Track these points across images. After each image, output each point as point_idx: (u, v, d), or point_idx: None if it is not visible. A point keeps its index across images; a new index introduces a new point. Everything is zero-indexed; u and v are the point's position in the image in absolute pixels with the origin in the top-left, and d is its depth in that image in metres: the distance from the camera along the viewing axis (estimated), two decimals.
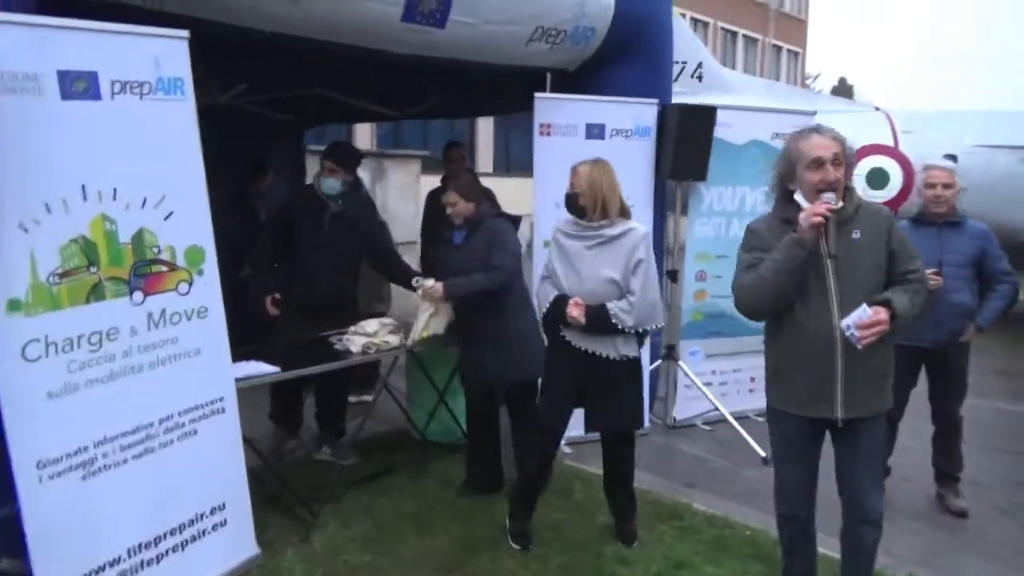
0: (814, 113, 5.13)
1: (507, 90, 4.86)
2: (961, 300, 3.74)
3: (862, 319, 2.40)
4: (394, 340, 3.82)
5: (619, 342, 3.19)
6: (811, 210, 2.44)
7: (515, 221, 3.83)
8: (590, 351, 3.20)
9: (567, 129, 4.50)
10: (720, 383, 5.25)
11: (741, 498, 4.03)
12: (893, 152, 8.22)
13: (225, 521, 3.06)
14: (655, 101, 4.68)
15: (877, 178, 8.24)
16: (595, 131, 4.57)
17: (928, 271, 2.83)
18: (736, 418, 4.90)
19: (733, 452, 4.66)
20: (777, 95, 8.90)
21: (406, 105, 5.82)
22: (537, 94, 4.45)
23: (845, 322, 2.44)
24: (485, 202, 3.79)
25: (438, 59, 3.90)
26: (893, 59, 72.98)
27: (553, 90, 4.77)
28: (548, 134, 4.48)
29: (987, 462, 4.47)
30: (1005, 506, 3.97)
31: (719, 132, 4.75)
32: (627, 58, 4.57)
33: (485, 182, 4.11)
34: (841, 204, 2.49)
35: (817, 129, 2.59)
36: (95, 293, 2.56)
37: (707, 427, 5.11)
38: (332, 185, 4.10)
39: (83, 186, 2.50)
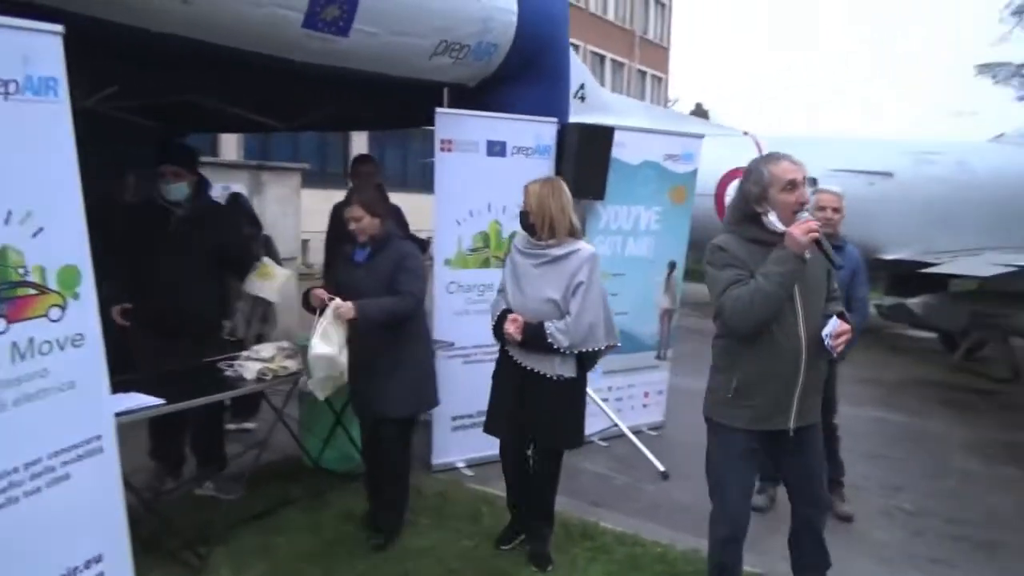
0: (702, 136, 5.35)
1: (405, 104, 4.72)
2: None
3: (836, 329, 2.62)
4: (292, 365, 3.57)
5: (556, 362, 3.23)
6: (806, 227, 2.54)
7: (423, 245, 3.72)
8: (530, 368, 3.26)
9: (468, 145, 4.42)
10: (616, 399, 5.31)
11: (646, 514, 4.07)
12: None
13: (103, 574, 2.71)
14: (555, 120, 4.69)
15: None
16: (496, 148, 4.52)
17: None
18: (633, 433, 4.96)
19: (633, 468, 4.70)
20: (656, 117, 9.22)
21: (293, 116, 5.54)
22: (438, 109, 4.35)
23: (825, 332, 2.63)
24: (391, 220, 3.63)
25: (337, 69, 3.70)
26: (741, 86, 78.40)
27: (451, 106, 4.68)
28: (449, 150, 4.38)
29: (866, 468, 4.76)
30: (886, 509, 4.22)
31: (615, 152, 4.83)
32: (527, 77, 4.54)
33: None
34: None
35: (783, 155, 2.74)
36: None
37: (604, 443, 5.14)
38: (180, 190, 3.79)
39: None
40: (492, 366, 4.59)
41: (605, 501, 4.19)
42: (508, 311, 3.30)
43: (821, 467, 2.96)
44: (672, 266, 5.33)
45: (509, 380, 3.37)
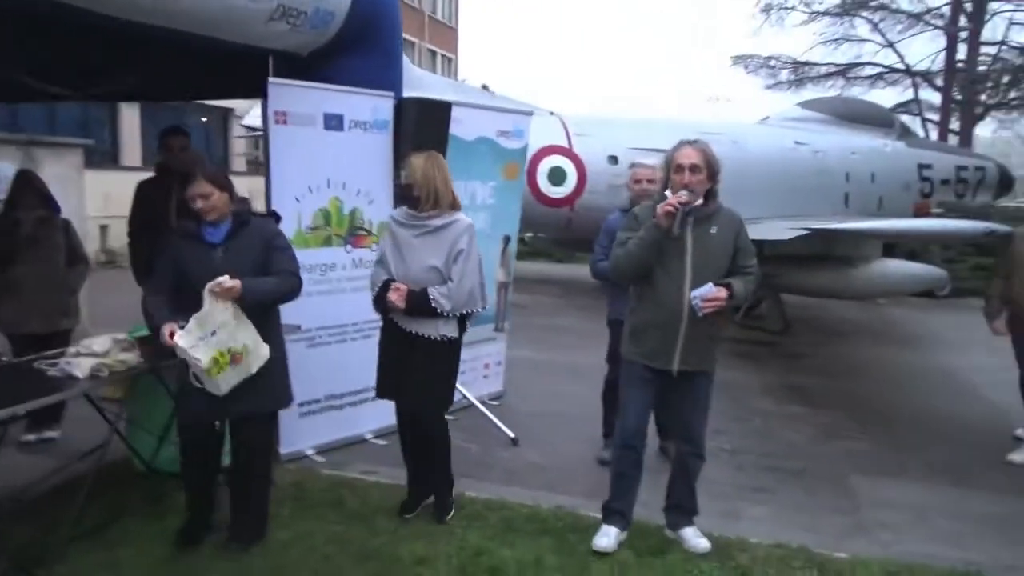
0: (531, 113, 5.53)
1: (226, 73, 4.39)
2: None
3: (707, 294, 3.06)
4: (130, 359, 3.24)
5: (440, 324, 3.44)
6: (665, 204, 3.11)
7: (276, 219, 3.52)
8: (414, 331, 3.42)
9: (304, 118, 4.21)
10: (460, 371, 5.36)
11: (506, 479, 4.20)
12: (569, 152, 9.18)
13: None
14: (392, 94, 4.61)
15: (557, 175, 9.13)
16: (334, 122, 4.35)
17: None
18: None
19: (483, 437, 4.80)
20: (467, 95, 9.34)
21: (87, 85, 4.93)
22: (271, 79, 4.09)
23: (694, 293, 3.14)
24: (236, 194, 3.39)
25: (159, 31, 3.35)
26: (526, 68, 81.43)
27: (277, 77, 4.42)
28: (284, 123, 4.14)
29: None
30: (711, 450, 4.62)
31: (451, 128, 4.85)
32: (361, 49, 4.40)
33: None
34: (701, 201, 3.16)
35: (691, 142, 3.27)
36: None
37: (451, 416, 5.17)
38: None
39: None
40: (338, 348, 4.52)
41: (464, 471, 4.21)
42: (390, 281, 3.42)
43: (699, 415, 3.40)
44: (507, 240, 5.49)
45: (394, 344, 3.49)
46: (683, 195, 3.11)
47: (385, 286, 3.42)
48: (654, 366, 3.29)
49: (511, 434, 4.80)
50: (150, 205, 4.85)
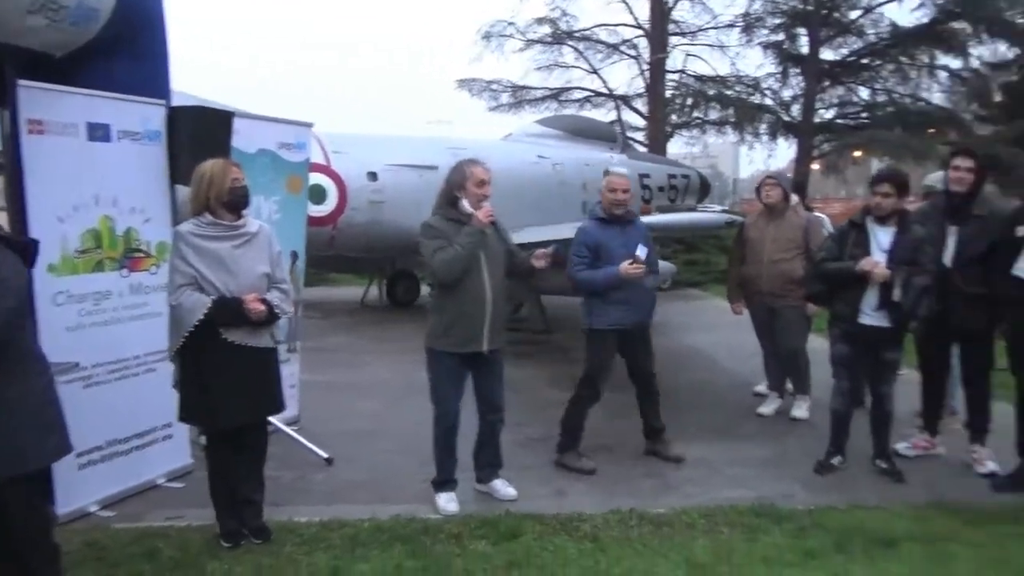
0: (311, 125, 5.37)
1: None
2: (649, 284, 4.52)
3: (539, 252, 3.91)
4: None
5: (274, 330, 3.51)
6: (486, 212, 3.70)
7: (22, 249, 2.85)
8: (250, 345, 3.36)
9: (65, 128, 3.70)
10: None
11: (330, 499, 4.04)
12: (327, 170, 8.97)
13: None
14: (163, 102, 4.21)
15: (316, 193, 8.85)
16: (99, 132, 3.87)
17: (626, 263, 4.19)
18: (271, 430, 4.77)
19: (292, 462, 4.52)
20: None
21: None
22: (22, 81, 3.53)
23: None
24: None
25: None
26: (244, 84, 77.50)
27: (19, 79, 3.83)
28: (40, 132, 3.61)
29: None
30: (521, 441, 4.91)
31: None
32: (126, 51, 3.99)
33: None
34: None
35: (479, 161, 3.90)
36: None
37: None
38: None
39: None
40: (119, 385, 4.01)
41: (284, 499, 3.99)
42: (225, 299, 3.27)
43: (500, 383, 4.03)
44: (294, 256, 5.25)
45: (231, 366, 3.34)
46: (489, 207, 3.73)
47: (221, 305, 3.24)
48: (466, 351, 3.81)
49: (324, 454, 4.60)
50: None
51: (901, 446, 4.66)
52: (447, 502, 3.87)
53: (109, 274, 3.97)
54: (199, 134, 4.25)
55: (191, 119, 4.24)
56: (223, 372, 3.31)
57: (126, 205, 4.04)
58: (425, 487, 4.01)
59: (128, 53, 4.06)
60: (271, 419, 4.65)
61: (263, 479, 3.63)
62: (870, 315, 4.17)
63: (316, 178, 8.80)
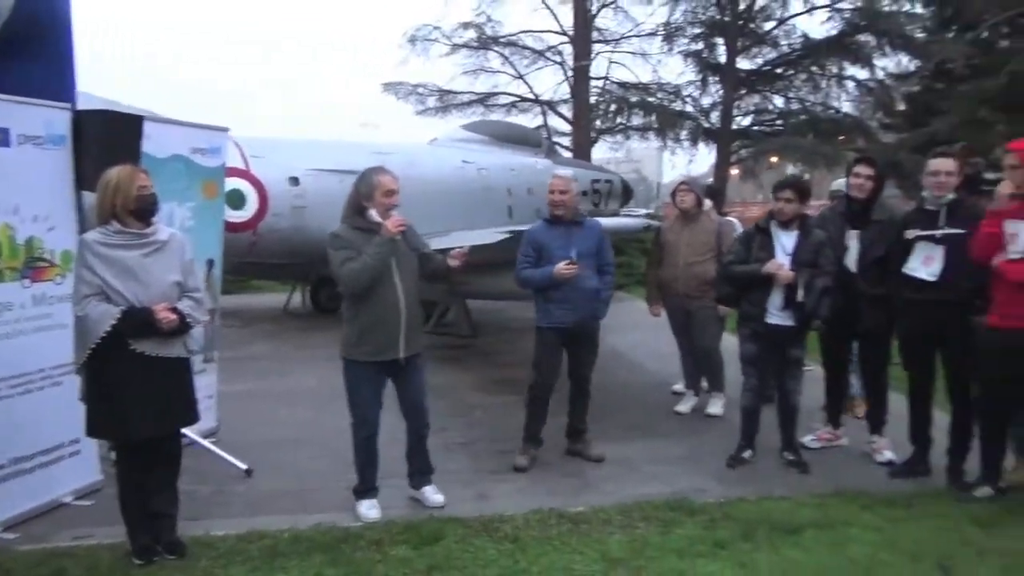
0: (227, 129, 5.27)
1: None
2: (593, 285, 4.53)
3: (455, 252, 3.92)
4: None
5: (186, 340, 3.41)
6: (397, 222, 3.67)
7: None
8: (160, 356, 3.28)
9: None
10: None
11: (250, 511, 3.98)
12: (247, 175, 8.78)
13: None
14: (68, 106, 4.07)
15: (235, 199, 8.66)
16: None
17: (563, 263, 4.29)
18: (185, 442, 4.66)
19: (211, 475, 4.42)
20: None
21: None
22: None
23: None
24: None
25: None
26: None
27: None
28: None
29: None
30: (445, 445, 4.92)
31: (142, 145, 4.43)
32: (29, 51, 3.85)
33: None
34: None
35: (387, 169, 3.87)
36: None
37: None
38: None
39: None
40: (22, 400, 3.87)
41: (201, 513, 3.91)
42: (136, 309, 3.18)
43: (423, 390, 4.03)
44: (211, 264, 5.14)
45: (142, 377, 3.26)
46: (399, 216, 3.72)
47: (130, 316, 3.16)
48: (382, 359, 3.78)
49: (243, 466, 4.52)
50: None
51: (807, 439, 4.89)
52: (368, 509, 3.87)
53: (9, 284, 3.80)
54: (106, 139, 4.12)
55: (98, 123, 4.11)
56: (132, 384, 3.23)
57: (28, 213, 3.88)
58: (348, 495, 3.99)
59: (31, 54, 3.92)
60: (187, 432, 4.57)
61: (177, 492, 3.55)
62: (776, 315, 4.38)
63: (235, 183, 8.63)
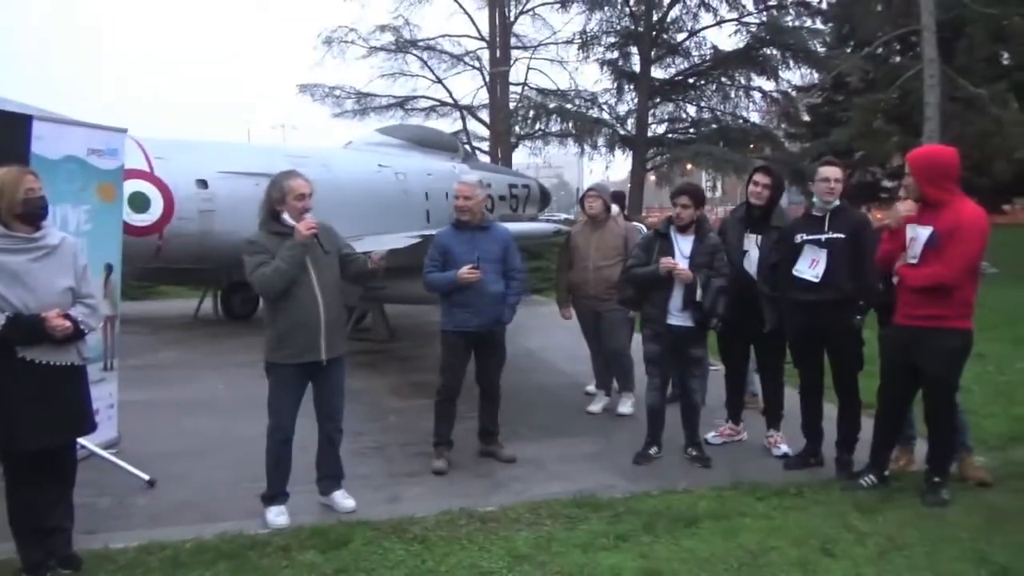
0: (126, 130, 5.10)
1: None
2: (497, 290, 4.56)
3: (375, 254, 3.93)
4: None
5: (80, 346, 3.30)
6: (308, 224, 3.67)
7: None
8: (52, 363, 3.18)
9: None
10: None
11: (152, 523, 3.87)
12: (151, 177, 8.49)
13: None
14: None
15: (139, 202, 8.36)
16: None
17: (466, 267, 4.37)
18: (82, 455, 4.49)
19: (110, 487, 4.27)
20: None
21: None
22: None
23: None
24: None
25: None
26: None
27: None
28: None
29: None
30: (358, 450, 4.90)
31: (31, 146, 4.25)
32: None
33: None
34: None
35: (298, 173, 3.85)
36: None
37: None
38: None
39: None
40: None
41: (100, 526, 3.77)
42: (22, 316, 3.07)
43: (340, 393, 4.03)
44: (109, 269, 4.96)
45: (30, 385, 3.15)
46: (311, 219, 3.71)
47: (15, 324, 3.04)
48: (304, 361, 3.79)
49: (145, 477, 4.39)
50: None
51: (710, 435, 5.11)
52: (276, 515, 3.82)
53: None
54: None
55: None
56: (21, 392, 3.11)
57: None
58: (256, 503, 3.92)
59: None
60: (85, 442, 4.41)
61: (72, 505, 3.42)
62: (676, 316, 4.56)
63: (138, 185, 8.36)
